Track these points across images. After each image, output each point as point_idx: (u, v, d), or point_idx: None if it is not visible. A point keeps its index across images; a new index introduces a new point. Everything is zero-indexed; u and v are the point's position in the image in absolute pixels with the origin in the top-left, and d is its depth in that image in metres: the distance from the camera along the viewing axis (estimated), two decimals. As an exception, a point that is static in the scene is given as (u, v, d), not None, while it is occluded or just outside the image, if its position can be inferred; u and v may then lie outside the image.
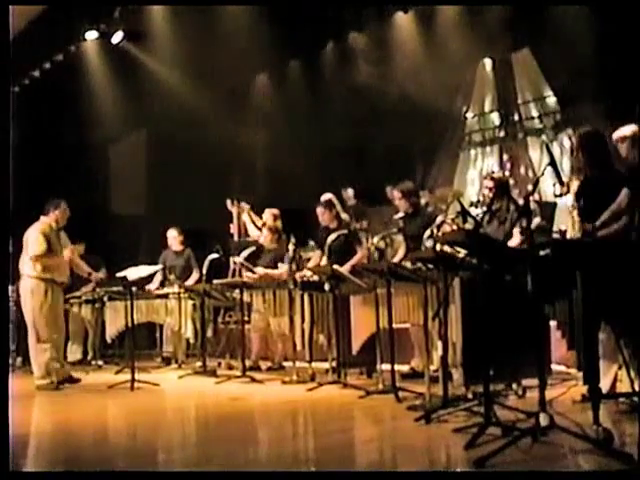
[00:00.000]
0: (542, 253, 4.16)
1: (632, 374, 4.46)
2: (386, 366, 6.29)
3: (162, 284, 10.01)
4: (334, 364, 7.16)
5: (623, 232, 4.76)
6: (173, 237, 10.35)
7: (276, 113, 13.06)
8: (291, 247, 7.79)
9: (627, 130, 5.56)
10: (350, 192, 11.22)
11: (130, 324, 8.29)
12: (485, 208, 6.50)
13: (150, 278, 9.76)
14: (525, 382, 5.63)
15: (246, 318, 8.55)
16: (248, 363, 8.49)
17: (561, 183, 4.39)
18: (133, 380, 7.45)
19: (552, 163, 4.22)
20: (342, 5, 11.68)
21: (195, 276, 9.95)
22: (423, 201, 8.54)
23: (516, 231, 6.15)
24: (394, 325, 6.26)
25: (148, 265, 9.05)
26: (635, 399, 4.80)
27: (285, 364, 8.68)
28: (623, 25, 8.89)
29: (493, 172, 8.30)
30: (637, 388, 4.52)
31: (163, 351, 10.22)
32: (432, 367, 5.99)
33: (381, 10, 12.13)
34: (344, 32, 12.65)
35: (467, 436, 4.14)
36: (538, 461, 3.72)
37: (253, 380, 7.66)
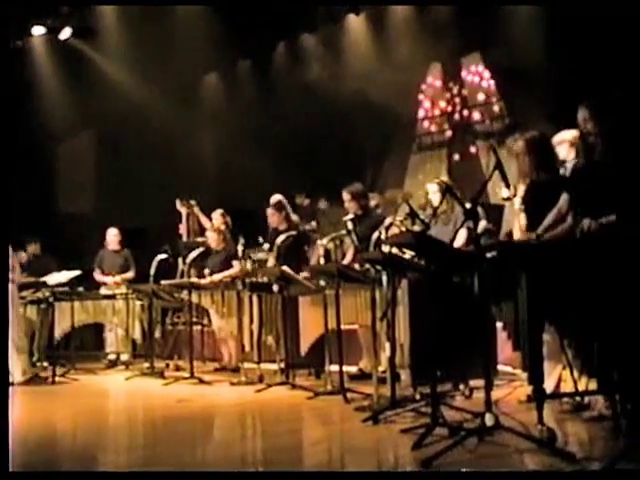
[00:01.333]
0: (488, 255, 4.20)
1: (575, 374, 4.52)
2: (334, 367, 6.29)
3: None
4: (282, 365, 7.15)
5: (567, 235, 4.84)
6: (113, 235, 10.28)
7: (227, 113, 13.02)
8: (240, 248, 7.77)
9: (568, 134, 5.68)
10: (303, 194, 11.23)
11: (76, 325, 8.24)
12: (431, 211, 6.56)
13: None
14: (472, 383, 5.68)
15: (195, 319, 8.52)
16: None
17: (507, 186, 4.44)
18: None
19: (499, 166, 4.27)
20: (293, 6, 11.68)
21: (130, 275, 9.90)
22: (373, 203, 8.58)
23: (461, 232, 6.21)
24: (342, 326, 6.27)
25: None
26: (578, 399, 4.89)
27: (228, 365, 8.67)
28: (569, 31, 9.06)
29: (438, 177, 8.37)
30: (580, 388, 4.59)
31: (110, 352, 10.10)
32: (380, 368, 6.01)
33: (333, 12, 12.17)
34: (295, 33, 12.68)
35: (414, 437, 4.17)
36: (484, 460, 3.76)
37: (201, 381, 7.61)
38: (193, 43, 11.42)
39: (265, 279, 7.52)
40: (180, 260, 9.72)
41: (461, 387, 5.76)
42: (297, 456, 4.37)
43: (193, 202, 10.57)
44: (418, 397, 5.42)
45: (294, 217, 8.82)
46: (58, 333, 9.53)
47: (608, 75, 7.84)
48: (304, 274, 7.02)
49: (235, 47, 12.10)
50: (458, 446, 3.87)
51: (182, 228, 10.94)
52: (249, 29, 11.85)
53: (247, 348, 7.79)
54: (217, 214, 9.36)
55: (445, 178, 7.96)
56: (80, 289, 9.41)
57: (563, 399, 5.00)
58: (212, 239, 9.00)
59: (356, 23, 12.18)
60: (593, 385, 4.44)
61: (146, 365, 8.78)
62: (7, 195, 4.13)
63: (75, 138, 14.46)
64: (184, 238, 10.89)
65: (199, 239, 10.12)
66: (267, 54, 13.09)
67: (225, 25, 11.44)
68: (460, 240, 6.29)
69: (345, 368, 6.31)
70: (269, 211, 8.23)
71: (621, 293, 4.02)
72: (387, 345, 5.34)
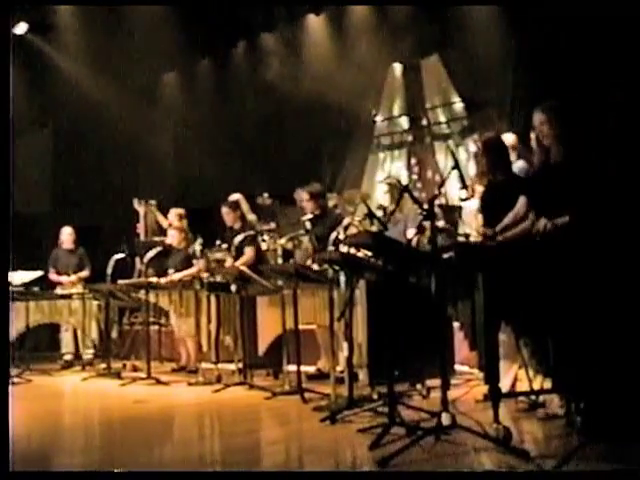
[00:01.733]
0: (445, 256, 4.24)
1: (531, 374, 4.58)
2: (292, 367, 6.30)
3: None
4: (240, 365, 7.12)
5: (525, 236, 4.90)
6: (67, 234, 10.16)
7: (185, 111, 12.94)
8: (198, 247, 7.73)
9: (506, 139, 5.78)
10: (265, 194, 11.19)
11: (31, 325, 8.12)
12: (389, 211, 6.59)
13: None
14: (429, 382, 5.71)
15: (152, 319, 8.45)
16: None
17: (465, 187, 4.47)
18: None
19: (456, 167, 4.31)
20: (253, 5, 11.65)
21: (85, 274, 9.82)
22: (331, 203, 8.58)
23: (411, 233, 6.24)
24: (300, 326, 6.28)
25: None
26: (533, 397, 4.95)
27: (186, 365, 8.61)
28: (527, 31, 9.15)
29: (389, 176, 8.43)
30: (535, 387, 4.65)
31: (66, 353, 9.98)
32: (338, 368, 6.03)
33: (292, 12, 12.16)
34: (255, 32, 12.63)
35: (372, 436, 4.19)
36: (440, 460, 3.79)
37: (158, 382, 7.55)
38: (152, 41, 11.32)
39: (223, 279, 7.48)
40: (138, 259, 9.63)
41: (418, 387, 5.79)
42: (255, 456, 4.36)
43: (152, 202, 10.49)
44: (376, 397, 5.45)
45: (251, 216, 8.81)
46: (13, 334, 9.38)
47: (565, 77, 7.93)
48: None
49: (194, 46, 12.03)
50: (415, 445, 3.90)
51: (140, 227, 10.86)
52: (208, 28, 11.80)
53: (205, 348, 7.75)
54: (174, 213, 9.29)
55: (397, 178, 8.00)
56: (35, 289, 9.28)
57: (519, 398, 5.05)
58: (173, 237, 8.93)
59: (316, 23, 12.17)
60: (548, 384, 4.50)
61: (103, 366, 8.68)
62: (7, 196, 4.09)
63: (31, 136, 14.26)
64: (142, 237, 10.81)
65: (157, 238, 10.04)
66: (226, 53, 13.03)
67: (184, 24, 11.36)
68: (412, 241, 6.31)
69: (303, 368, 6.31)
70: (223, 210, 8.22)
71: (574, 293, 4.08)
72: (345, 345, 5.36)
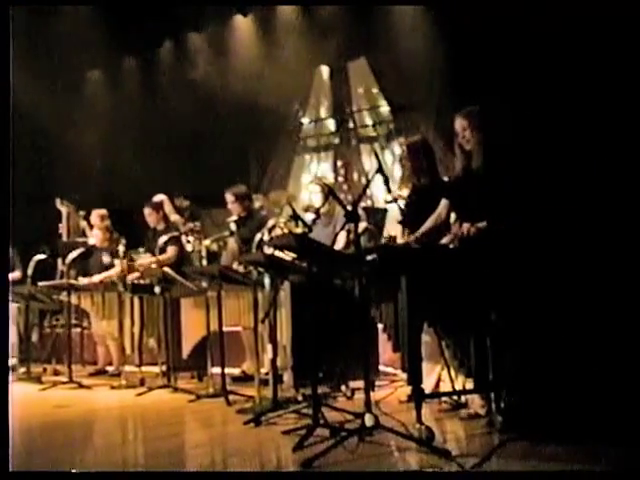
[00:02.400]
0: (369, 258, 4.26)
1: (453, 374, 4.64)
2: (217, 369, 6.25)
3: None
4: (164, 368, 7.05)
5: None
6: None
7: (110, 110, 12.73)
8: (121, 248, 7.61)
9: None
10: (182, 196, 11.08)
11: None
12: (314, 213, 6.60)
13: None
14: (354, 384, 5.74)
15: (74, 322, 8.30)
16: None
17: (389, 190, 4.52)
18: None
19: (380, 170, 4.33)
20: (180, 4, 11.53)
21: (16, 275, 9.59)
22: (257, 204, 8.56)
23: (341, 235, 6.27)
24: (225, 328, 6.25)
25: None
26: (456, 398, 5.02)
27: (109, 368, 8.48)
28: (452, 34, 9.27)
29: (320, 178, 8.45)
30: (458, 387, 4.71)
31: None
32: (263, 370, 6.01)
33: (220, 12, 12.09)
34: (182, 31, 12.51)
35: (296, 438, 4.18)
36: (364, 460, 3.80)
37: (80, 386, 7.41)
38: (77, 39, 11.12)
39: (147, 280, 7.39)
40: (60, 260, 9.43)
41: (343, 388, 5.81)
42: (178, 460, 4.31)
43: (71, 203, 10.29)
44: (300, 398, 5.44)
45: (175, 217, 8.72)
46: None
47: (491, 81, 8.03)
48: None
49: (120, 44, 11.85)
50: (339, 446, 3.90)
51: (62, 228, 10.65)
52: (134, 26, 11.64)
53: (128, 351, 7.64)
54: (96, 214, 9.12)
55: (327, 180, 8.03)
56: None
57: (442, 398, 5.11)
58: (97, 237, 8.76)
59: (243, 24, 12.13)
60: (470, 385, 4.56)
61: (22, 370, 8.48)
62: (7, 196, 3.98)
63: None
64: (64, 238, 10.59)
65: (79, 239, 9.85)
66: (152, 52, 12.87)
67: (109, 21, 11.19)
68: (340, 242, 6.35)
69: (228, 370, 6.29)
70: (146, 211, 8.13)
71: (494, 295, 4.16)
72: (269, 347, 5.35)
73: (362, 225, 6.58)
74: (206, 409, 5.86)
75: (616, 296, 4.87)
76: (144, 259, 8.03)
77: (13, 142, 4.06)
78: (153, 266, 7.40)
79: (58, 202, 10.64)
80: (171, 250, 7.75)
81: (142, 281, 7.54)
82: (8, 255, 5.68)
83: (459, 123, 4.65)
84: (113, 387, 7.24)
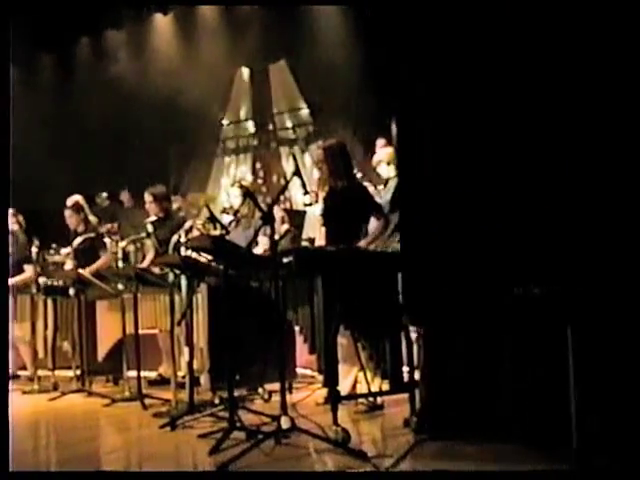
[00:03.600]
0: (285, 260, 4.27)
1: (369, 376, 4.68)
2: (133, 373, 6.17)
3: None
4: (79, 372, 6.91)
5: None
6: None
7: (26, 108, 12.42)
8: (34, 250, 7.43)
9: (382, 154, 5.94)
10: (104, 194, 10.91)
11: None
12: (233, 215, 6.59)
13: None
14: (271, 386, 5.73)
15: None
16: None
17: (306, 192, 4.54)
18: None
19: (297, 173, 4.34)
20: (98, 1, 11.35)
21: None
22: (175, 205, 8.48)
23: (262, 238, 6.27)
24: (141, 331, 6.18)
25: None
26: (372, 399, 5.06)
27: (21, 373, 8.26)
28: (372, 43, 9.36)
29: (241, 179, 8.44)
30: (374, 389, 4.75)
31: None
32: (180, 373, 5.95)
33: (139, 10, 11.95)
34: (100, 29, 12.31)
35: (212, 441, 4.15)
36: (280, 463, 3.80)
37: (-10, 391, 7.21)
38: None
39: (61, 282, 7.24)
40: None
41: (260, 391, 5.80)
42: (93, 465, 4.23)
43: None
44: (217, 401, 5.41)
45: (92, 218, 8.56)
46: None
47: (412, 85, 8.11)
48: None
49: (36, 40, 11.59)
50: (255, 449, 3.90)
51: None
52: (51, 22, 11.39)
53: (41, 355, 7.45)
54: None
55: (246, 182, 8.01)
56: None
57: (358, 400, 5.15)
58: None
59: (163, 23, 12.01)
60: (386, 386, 4.61)
61: None
62: (7, 195, 3.85)
63: None
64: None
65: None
66: (69, 49, 12.62)
67: (26, 17, 10.92)
68: (261, 245, 6.34)
69: (144, 374, 6.22)
70: (67, 213, 7.93)
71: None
72: (186, 350, 5.30)
73: (283, 227, 6.59)
74: (121, 413, 5.78)
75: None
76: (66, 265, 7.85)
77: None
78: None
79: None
80: (105, 257, 7.59)
81: (56, 283, 7.36)
82: (8, 253, 5.52)
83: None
84: (25, 392, 7.06)
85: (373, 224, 5.37)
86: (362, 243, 5.19)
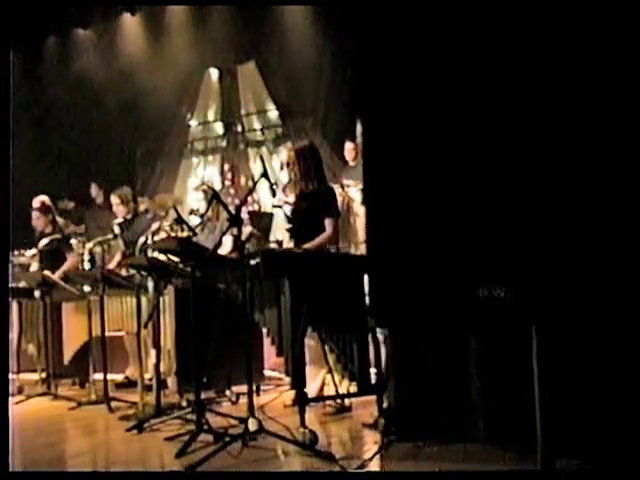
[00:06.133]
0: (252, 262, 4.26)
1: (337, 378, 4.68)
2: (99, 376, 6.12)
3: None
4: (44, 375, 6.85)
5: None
6: None
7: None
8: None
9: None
10: (66, 200, 10.79)
11: None
12: (199, 217, 6.57)
13: None
14: (239, 388, 5.72)
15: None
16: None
17: (274, 194, 4.54)
18: None
19: (265, 175, 4.34)
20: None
21: None
22: (142, 207, 8.43)
23: (227, 239, 6.25)
24: (107, 333, 6.15)
25: None
26: (339, 401, 5.07)
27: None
28: (340, 45, 9.37)
29: (204, 183, 8.42)
30: (342, 391, 4.76)
31: None
32: (147, 375, 5.92)
33: (107, 9, 11.85)
34: (67, 28, 12.19)
35: (179, 444, 4.14)
36: (247, 465, 3.79)
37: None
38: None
39: (26, 284, 7.17)
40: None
41: (228, 393, 5.78)
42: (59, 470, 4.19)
43: None
44: (185, 404, 5.39)
45: (59, 219, 8.48)
46: None
47: (380, 87, 8.14)
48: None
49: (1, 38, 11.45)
50: (222, 452, 3.89)
51: None
52: (17, 20, 11.25)
53: (5, 357, 7.37)
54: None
55: (211, 184, 7.99)
56: None
57: (326, 402, 5.15)
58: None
59: (131, 23, 11.92)
60: (354, 388, 4.62)
61: None
62: (7, 195, 3.79)
63: None
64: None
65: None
66: (35, 48, 12.47)
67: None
68: (227, 247, 6.33)
69: (111, 376, 6.16)
70: (34, 214, 7.85)
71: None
72: (153, 352, 5.28)
73: (247, 230, 6.58)
74: (87, 417, 5.73)
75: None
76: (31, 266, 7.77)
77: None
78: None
79: None
80: (72, 257, 7.52)
81: (21, 285, 7.29)
82: (8, 256, 5.46)
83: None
84: (-12, 396, 6.97)
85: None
86: (307, 245, 5.17)
